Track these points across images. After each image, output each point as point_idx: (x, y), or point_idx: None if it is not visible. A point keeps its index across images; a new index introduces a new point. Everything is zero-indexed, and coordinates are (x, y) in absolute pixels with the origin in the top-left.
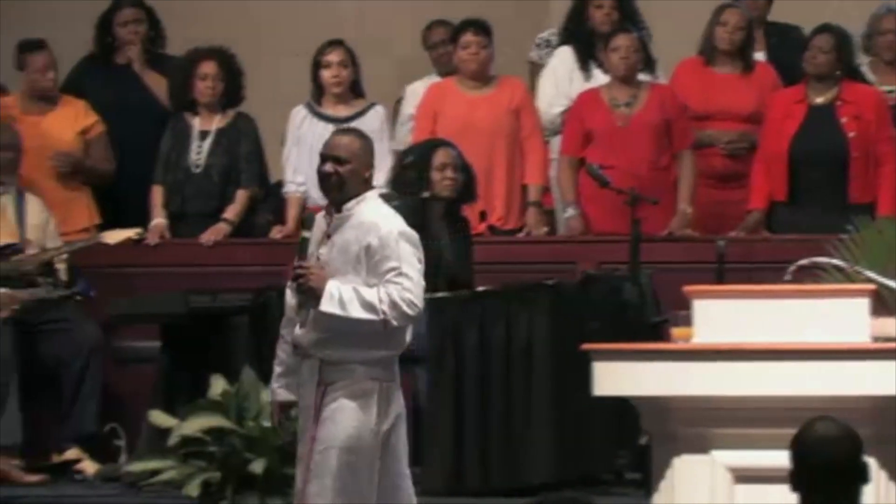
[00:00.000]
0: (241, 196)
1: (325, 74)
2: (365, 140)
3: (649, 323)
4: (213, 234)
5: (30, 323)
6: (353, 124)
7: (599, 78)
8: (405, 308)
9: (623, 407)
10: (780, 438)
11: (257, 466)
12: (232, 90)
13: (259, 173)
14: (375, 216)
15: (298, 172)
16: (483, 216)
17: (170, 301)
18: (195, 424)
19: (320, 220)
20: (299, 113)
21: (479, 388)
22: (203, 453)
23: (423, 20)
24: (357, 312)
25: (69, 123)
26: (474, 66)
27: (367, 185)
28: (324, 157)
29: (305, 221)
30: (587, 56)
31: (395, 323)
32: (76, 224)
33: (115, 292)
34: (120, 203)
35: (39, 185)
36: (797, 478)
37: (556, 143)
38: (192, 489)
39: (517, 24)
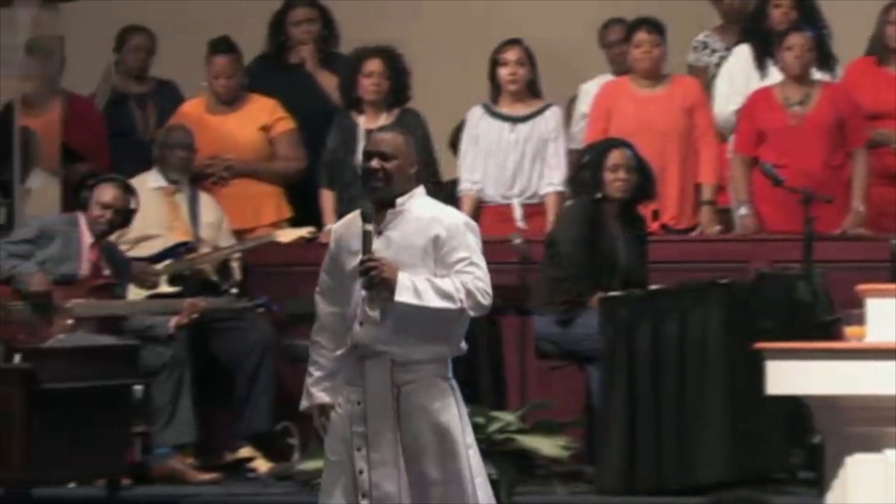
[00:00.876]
0: None
1: (503, 72)
2: (407, 136)
3: (822, 322)
4: None
5: (203, 321)
6: (530, 124)
7: (776, 76)
8: (480, 297)
9: (796, 406)
10: None
11: None
12: (398, 88)
13: (427, 171)
14: (434, 209)
15: (474, 171)
16: (656, 215)
17: None
18: None
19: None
20: (475, 112)
21: (652, 387)
22: None
23: (594, 19)
24: (433, 302)
25: (251, 122)
26: (647, 65)
27: (411, 181)
28: (369, 154)
29: (366, 215)
30: (764, 54)
31: (471, 313)
32: (264, 219)
33: (285, 291)
34: (308, 200)
35: (228, 181)
36: None
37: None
38: None
39: (683, 25)
